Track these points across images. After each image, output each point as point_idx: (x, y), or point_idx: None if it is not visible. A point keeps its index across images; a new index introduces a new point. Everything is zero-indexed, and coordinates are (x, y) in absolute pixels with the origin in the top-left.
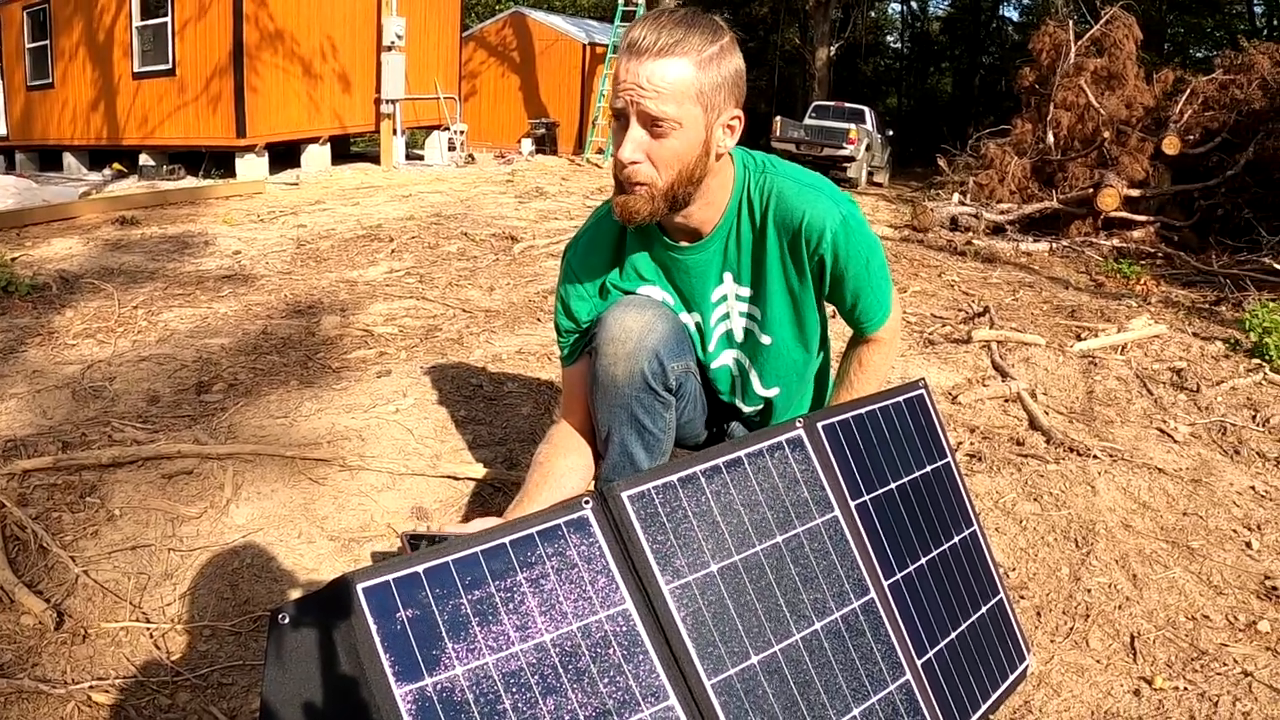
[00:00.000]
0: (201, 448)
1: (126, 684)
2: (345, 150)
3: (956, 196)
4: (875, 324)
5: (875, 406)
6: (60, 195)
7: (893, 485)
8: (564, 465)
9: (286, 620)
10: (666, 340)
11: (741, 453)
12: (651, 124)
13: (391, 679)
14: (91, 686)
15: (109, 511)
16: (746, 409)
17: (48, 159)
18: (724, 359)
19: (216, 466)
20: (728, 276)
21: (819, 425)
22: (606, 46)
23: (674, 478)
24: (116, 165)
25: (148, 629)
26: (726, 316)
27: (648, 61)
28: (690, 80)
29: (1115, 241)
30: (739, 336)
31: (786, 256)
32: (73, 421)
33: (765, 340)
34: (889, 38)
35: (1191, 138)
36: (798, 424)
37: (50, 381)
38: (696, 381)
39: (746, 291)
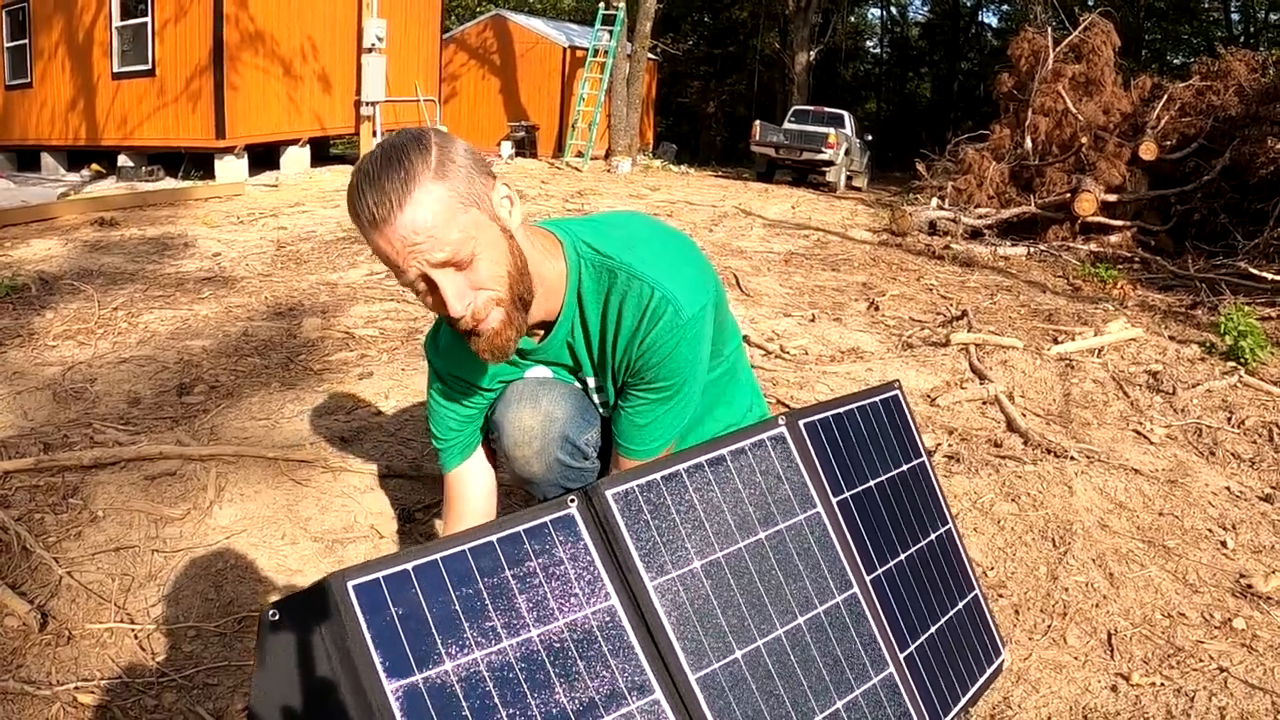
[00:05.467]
0: (184, 449)
1: (112, 685)
2: (324, 152)
3: (935, 201)
4: (635, 452)
5: (854, 406)
6: (39, 196)
7: (872, 483)
8: None
9: (277, 618)
10: (571, 421)
11: (724, 450)
12: (453, 266)
13: (383, 675)
14: (77, 687)
15: (92, 513)
16: None
17: (26, 159)
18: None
19: (199, 468)
20: (583, 372)
21: (800, 423)
22: (587, 50)
23: (657, 475)
24: (95, 166)
25: (132, 630)
26: (592, 398)
27: (398, 218)
28: (445, 197)
29: (1092, 246)
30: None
31: (620, 348)
32: (54, 423)
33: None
34: (868, 43)
35: (1168, 143)
36: (780, 421)
37: (31, 383)
38: None
39: (595, 382)
